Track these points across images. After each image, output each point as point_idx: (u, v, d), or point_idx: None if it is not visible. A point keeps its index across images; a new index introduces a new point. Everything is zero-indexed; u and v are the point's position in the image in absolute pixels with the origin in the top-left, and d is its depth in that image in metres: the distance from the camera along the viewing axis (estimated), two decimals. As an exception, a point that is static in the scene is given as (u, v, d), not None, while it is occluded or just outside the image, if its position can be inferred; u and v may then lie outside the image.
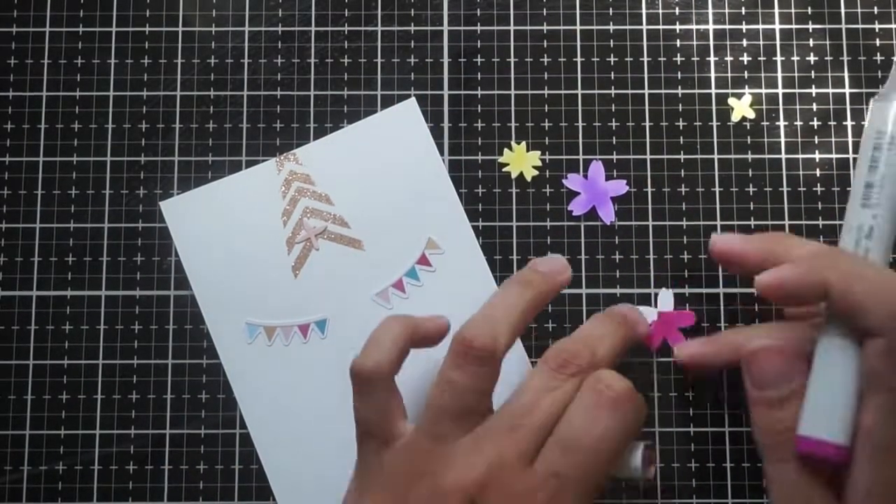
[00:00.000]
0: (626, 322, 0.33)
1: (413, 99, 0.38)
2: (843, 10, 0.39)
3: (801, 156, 0.38)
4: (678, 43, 0.39)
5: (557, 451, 0.28)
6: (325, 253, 0.37)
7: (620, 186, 0.38)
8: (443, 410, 0.29)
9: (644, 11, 0.39)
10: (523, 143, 0.38)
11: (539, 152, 0.38)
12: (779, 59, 0.39)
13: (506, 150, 0.38)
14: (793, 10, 0.39)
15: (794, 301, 0.31)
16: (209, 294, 0.37)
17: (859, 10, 0.39)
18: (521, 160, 0.38)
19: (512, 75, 0.39)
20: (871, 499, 0.27)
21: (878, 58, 0.39)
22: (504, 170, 0.38)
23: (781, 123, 0.38)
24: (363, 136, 0.38)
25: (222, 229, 0.37)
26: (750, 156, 0.38)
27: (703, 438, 0.36)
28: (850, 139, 0.38)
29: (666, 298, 0.37)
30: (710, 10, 0.39)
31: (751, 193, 0.38)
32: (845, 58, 0.39)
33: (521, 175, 0.38)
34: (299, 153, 0.38)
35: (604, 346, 0.31)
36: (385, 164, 0.37)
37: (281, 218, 0.37)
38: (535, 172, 0.38)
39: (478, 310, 0.31)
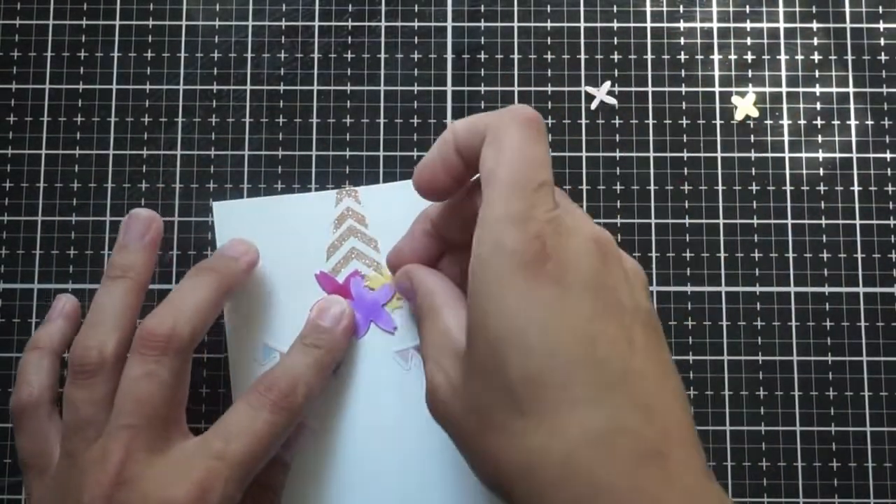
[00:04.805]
0: (327, 349, 0.33)
1: None
2: (847, 9, 0.39)
3: (804, 154, 0.38)
4: (682, 41, 0.39)
5: (219, 434, 0.30)
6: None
7: None
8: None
9: (648, 9, 0.39)
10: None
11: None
12: (782, 57, 0.39)
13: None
14: (797, 9, 0.39)
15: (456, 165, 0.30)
16: (235, 306, 0.36)
17: (864, 10, 0.39)
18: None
19: (515, 72, 0.39)
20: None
21: (882, 57, 0.39)
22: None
23: (785, 122, 0.38)
24: None
25: (267, 246, 0.36)
26: (753, 154, 0.38)
27: (703, 437, 0.36)
28: (853, 138, 0.38)
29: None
30: (714, 8, 0.39)
31: (754, 192, 0.38)
32: (849, 57, 0.39)
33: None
34: (361, 192, 0.37)
35: (305, 378, 0.32)
36: None
37: (327, 250, 0.36)
38: None
39: (163, 301, 0.31)
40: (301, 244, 0.36)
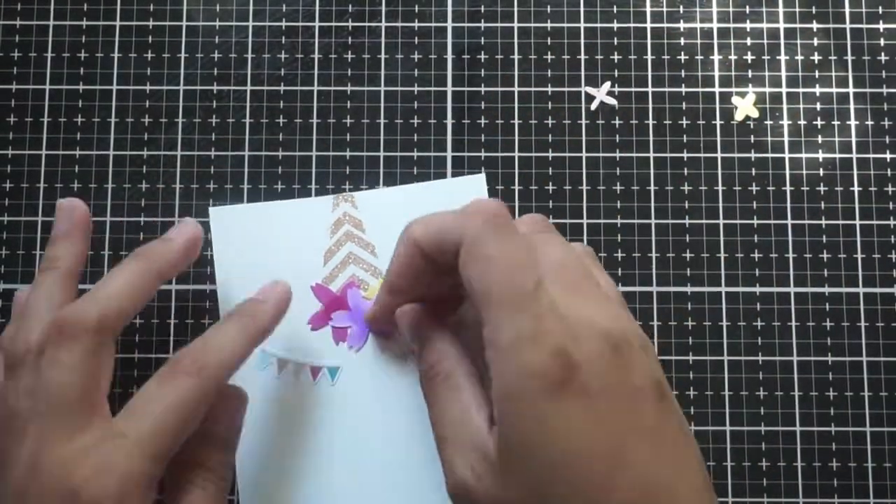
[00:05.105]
0: (248, 314, 0.32)
1: (483, 175, 0.38)
2: (847, 10, 0.39)
3: (804, 155, 0.38)
4: (682, 41, 0.39)
5: (124, 413, 0.29)
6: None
7: None
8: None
9: (648, 9, 0.39)
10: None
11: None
12: (782, 57, 0.39)
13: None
14: (796, 9, 0.39)
15: (420, 274, 0.31)
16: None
17: (864, 10, 0.39)
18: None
19: (515, 72, 0.39)
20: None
21: (882, 57, 0.39)
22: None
23: (785, 122, 0.38)
24: (423, 198, 0.37)
25: (263, 251, 0.36)
26: (753, 154, 0.38)
27: (703, 438, 0.36)
28: (853, 138, 0.38)
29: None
30: (714, 9, 0.39)
31: (754, 192, 0.38)
32: (849, 57, 0.39)
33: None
34: (357, 197, 0.37)
35: (216, 342, 0.31)
36: None
37: (324, 255, 0.36)
38: None
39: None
40: (298, 249, 0.36)
